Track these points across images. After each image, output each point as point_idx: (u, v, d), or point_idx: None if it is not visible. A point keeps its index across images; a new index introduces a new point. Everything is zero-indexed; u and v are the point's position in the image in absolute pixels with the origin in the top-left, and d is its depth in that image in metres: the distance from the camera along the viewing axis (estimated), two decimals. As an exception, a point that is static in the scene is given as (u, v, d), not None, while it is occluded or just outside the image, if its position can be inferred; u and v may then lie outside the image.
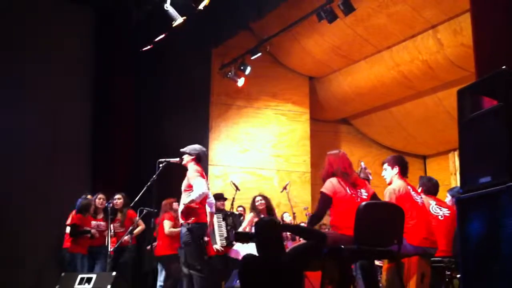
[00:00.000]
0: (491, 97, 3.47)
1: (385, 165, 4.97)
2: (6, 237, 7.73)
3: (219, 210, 7.87)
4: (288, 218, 8.29)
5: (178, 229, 6.92)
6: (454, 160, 10.58)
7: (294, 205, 8.39)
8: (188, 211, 5.80)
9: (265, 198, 7.11)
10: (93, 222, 7.49)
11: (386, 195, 4.69)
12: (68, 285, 6.03)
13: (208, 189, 6.04)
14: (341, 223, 4.40)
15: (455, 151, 10.34)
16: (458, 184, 7.31)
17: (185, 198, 5.81)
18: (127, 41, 9.09)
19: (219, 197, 8.02)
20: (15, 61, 8.08)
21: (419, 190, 5.45)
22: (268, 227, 3.92)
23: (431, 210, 5.27)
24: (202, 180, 5.77)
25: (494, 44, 4.50)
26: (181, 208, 5.89)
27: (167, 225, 7.33)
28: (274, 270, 3.68)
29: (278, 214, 7.55)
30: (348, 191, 4.47)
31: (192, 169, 5.89)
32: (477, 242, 3.24)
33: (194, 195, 5.70)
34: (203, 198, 5.83)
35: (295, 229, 4.69)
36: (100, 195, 7.66)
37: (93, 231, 7.37)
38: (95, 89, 9.22)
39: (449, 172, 10.69)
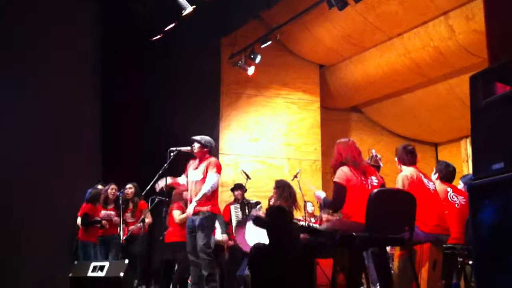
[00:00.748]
0: (504, 83, 3.43)
1: (396, 158, 5.03)
2: (20, 228, 7.79)
3: (237, 200, 7.93)
4: (311, 208, 8.28)
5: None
6: (466, 147, 10.52)
7: (305, 193, 8.38)
8: (205, 200, 5.92)
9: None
10: (103, 212, 7.55)
11: (399, 181, 4.69)
12: (81, 273, 6.10)
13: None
14: (352, 210, 4.40)
15: (467, 138, 10.28)
16: (470, 172, 7.29)
17: (197, 196, 5.99)
18: (136, 33, 9.08)
19: (238, 187, 8.07)
20: (19, 61, 8.09)
21: (436, 175, 5.44)
22: (278, 213, 3.90)
23: (449, 198, 5.26)
24: (217, 174, 5.99)
25: (507, 30, 4.45)
26: (192, 207, 5.96)
27: (176, 214, 7.38)
28: (285, 259, 3.65)
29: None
30: (360, 178, 4.47)
31: (215, 160, 6.13)
32: (490, 229, 3.22)
33: (205, 189, 5.93)
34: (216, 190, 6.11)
35: (311, 231, 4.68)
36: (113, 185, 7.72)
37: (103, 222, 7.44)
38: (104, 81, 9.23)
39: (461, 159, 10.62)
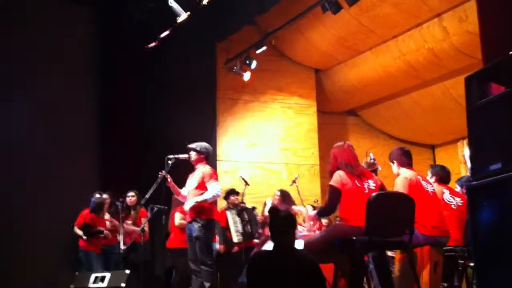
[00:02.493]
0: (499, 84, 3.45)
1: (391, 161, 5.00)
2: (18, 238, 7.77)
3: (234, 205, 7.92)
4: (311, 211, 8.27)
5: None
6: (463, 149, 10.53)
7: (303, 198, 8.38)
8: (201, 208, 5.90)
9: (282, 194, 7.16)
10: (107, 223, 7.52)
11: (398, 184, 4.68)
12: (82, 284, 6.09)
13: None
14: (350, 215, 4.40)
15: (464, 139, 10.29)
16: (468, 173, 7.31)
17: (197, 196, 5.89)
18: (131, 39, 9.09)
19: (232, 192, 8.07)
20: (17, 61, 8.10)
21: (432, 179, 5.45)
22: (287, 219, 3.82)
23: (445, 199, 5.27)
24: (217, 183, 6.00)
25: (500, 31, 4.47)
26: (190, 204, 5.94)
27: (177, 217, 7.37)
28: (289, 266, 3.56)
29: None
30: (356, 183, 4.47)
31: (208, 170, 6.06)
32: (489, 230, 3.23)
33: (208, 195, 5.92)
34: None
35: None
36: (104, 195, 7.67)
37: (105, 232, 7.40)
38: (100, 88, 9.22)
39: (458, 161, 10.63)
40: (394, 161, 4.94)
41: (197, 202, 5.88)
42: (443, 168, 5.71)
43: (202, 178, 6.00)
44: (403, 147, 5.27)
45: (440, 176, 5.47)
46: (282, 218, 3.72)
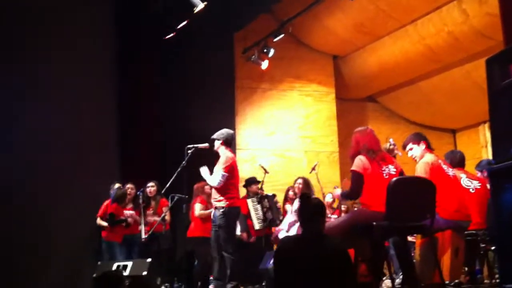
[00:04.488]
0: (521, 65, 3.40)
1: (410, 145, 4.92)
2: (44, 230, 7.88)
3: (254, 194, 7.97)
4: (330, 199, 8.27)
5: (208, 211, 7.05)
6: (484, 133, 10.41)
7: (323, 185, 8.37)
8: (223, 196, 5.94)
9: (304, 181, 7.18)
10: (126, 212, 7.60)
11: (420, 169, 4.64)
12: (105, 273, 6.15)
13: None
14: (371, 200, 4.38)
15: (485, 123, 10.17)
16: (490, 157, 7.23)
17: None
18: (148, 32, 9.12)
19: (253, 181, 8.11)
20: (36, 61, 8.17)
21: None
22: (316, 203, 3.81)
23: (462, 183, 5.22)
24: (222, 174, 5.98)
25: (522, 11, 4.40)
26: (212, 189, 6.05)
27: (197, 208, 7.42)
28: (319, 251, 3.54)
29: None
30: (377, 168, 4.44)
31: (224, 159, 6.11)
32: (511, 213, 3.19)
33: (208, 180, 6.12)
34: (237, 180, 6.21)
35: None
36: (129, 185, 7.76)
37: (129, 219, 7.49)
38: (119, 80, 9.27)
39: (480, 145, 10.51)
40: (422, 142, 4.86)
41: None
42: (452, 152, 5.70)
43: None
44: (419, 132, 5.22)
45: (452, 161, 5.40)
46: (313, 205, 3.73)
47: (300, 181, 7.20)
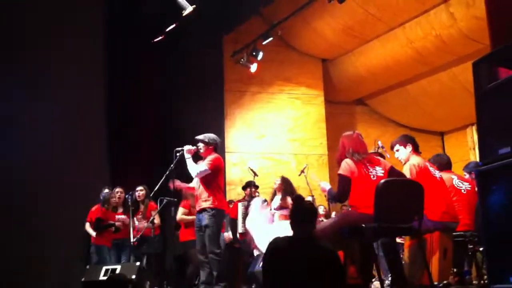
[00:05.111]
0: (507, 68, 3.43)
1: (397, 146, 4.96)
2: (32, 235, 7.83)
3: (250, 197, 7.96)
4: (321, 211, 8.30)
5: (190, 217, 7.04)
6: (472, 135, 10.50)
7: (312, 188, 8.39)
8: (211, 198, 5.92)
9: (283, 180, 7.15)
10: (118, 217, 7.57)
11: (407, 171, 4.67)
12: (93, 276, 6.13)
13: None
14: (359, 202, 4.40)
15: (472, 125, 10.26)
16: (478, 159, 7.28)
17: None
18: (140, 33, 9.10)
19: (251, 184, 8.12)
20: (28, 61, 8.13)
21: None
22: (309, 206, 3.85)
23: (455, 184, 5.27)
24: (206, 169, 5.92)
25: (508, 15, 4.43)
26: (200, 190, 6.00)
27: (179, 212, 7.40)
28: (308, 253, 3.55)
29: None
30: (363, 170, 4.47)
31: (212, 157, 6.05)
32: (499, 214, 3.22)
33: (191, 169, 5.97)
34: (222, 183, 6.16)
35: None
36: (118, 189, 7.72)
37: (117, 223, 7.45)
38: (109, 82, 9.24)
39: (467, 147, 10.61)
40: (408, 145, 4.90)
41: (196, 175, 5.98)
42: (438, 155, 5.78)
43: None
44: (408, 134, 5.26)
45: (440, 164, 5.45)
46: (305, 208, 3.75)
47: (278, 180, 7.19)
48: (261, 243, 6.30)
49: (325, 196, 6.04)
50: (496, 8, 4.67)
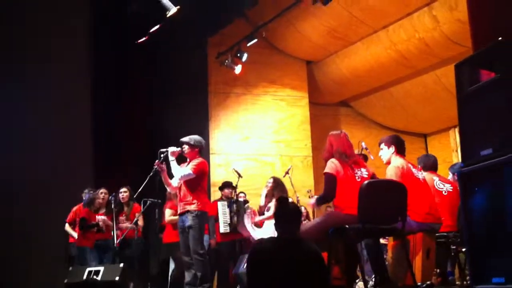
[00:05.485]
0: (489, 70, 3.47)
1: (382, 145, 4.99)
2: (13, 235, 7.76)
3: (227, 198, 7.98)
4: (311, 200, 8.32)
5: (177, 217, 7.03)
6: (455, 137, 10.59)
7: (297, 189, 8.42)
8: (195, 200, 5.90)
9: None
10: (98, 217, 7.51)
11: (389, 173, 4.70)
12: (76, 278, 6.07)
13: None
14: (343, 203, 4.42)
15: (455, 127, 10.33)
16: (460, 160, 7.34)
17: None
18: (122, 34, 9.05)
19: (226, 184, 8.12)
20: (14, 61, 8.07)
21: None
22: (294, 207, 3.87)
23: (436, 186, 5.31)
24: (190, 173, 5.90)
25: (490, 18, 4.49)
26: (183, 192, 5.97)
27: (167, 214, 7.38)
28: (293, 254, 3.55)
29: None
30: (349, 171, 4.50)
31: (197, 161, 6.01)
32: (481, 215, 3.26)
33: (177, 173, 5.95)
34: (205, 186, 6.12)
35: None
36: (102, 190, 7.67)
37: (100, 223, 7.39)
38: (94, 82, 9.19)
39: (450, 149, 10.70)
40: (392, 146, 4.91)
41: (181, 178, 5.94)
42: (427, 156, 5.86)
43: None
44: (399, 136, 5.24)
45: (425, 164, 5.51)
46: (290, 209, 3.76)
47: (270, 181, 7.19)
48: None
49: (312, 207, 6.06)
50: (478, 11, 4.72)
